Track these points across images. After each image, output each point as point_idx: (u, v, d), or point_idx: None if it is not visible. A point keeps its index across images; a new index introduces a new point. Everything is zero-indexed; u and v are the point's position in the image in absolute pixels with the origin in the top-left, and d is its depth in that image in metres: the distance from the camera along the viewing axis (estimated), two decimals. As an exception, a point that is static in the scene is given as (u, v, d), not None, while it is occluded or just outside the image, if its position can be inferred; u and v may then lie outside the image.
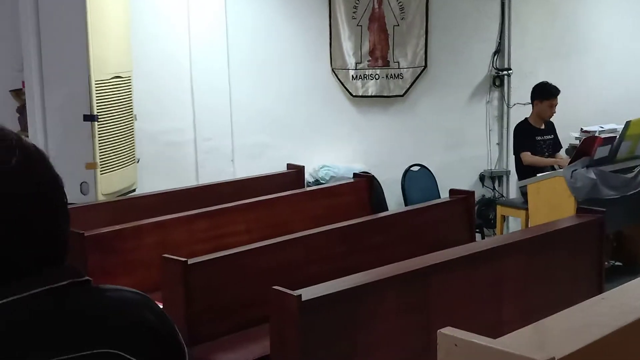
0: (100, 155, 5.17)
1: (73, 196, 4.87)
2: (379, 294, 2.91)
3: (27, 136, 5.29)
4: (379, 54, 6.43)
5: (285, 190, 4.81)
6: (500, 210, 5.84)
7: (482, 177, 6.59)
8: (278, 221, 4.36)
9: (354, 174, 5.27)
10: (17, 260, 1.05)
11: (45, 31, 5.16)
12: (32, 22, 5.15)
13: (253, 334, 3.23)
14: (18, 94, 5.68)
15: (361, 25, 6.40)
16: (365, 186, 5.03)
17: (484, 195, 6.52)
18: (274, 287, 2.69)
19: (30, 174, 1.05)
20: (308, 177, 6.07)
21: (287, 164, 5.47)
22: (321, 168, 6.35)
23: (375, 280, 2.91)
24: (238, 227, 4.21)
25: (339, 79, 6.51)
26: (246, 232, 4.21)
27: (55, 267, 1.08)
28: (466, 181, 6.40)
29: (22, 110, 5.59)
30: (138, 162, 5.80)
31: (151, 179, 5.83)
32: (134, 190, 5.67)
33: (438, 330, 1.54)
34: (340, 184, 5.16)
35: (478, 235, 5.79)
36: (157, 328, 1.11)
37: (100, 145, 5.17)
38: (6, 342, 1.01)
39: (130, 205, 4.47)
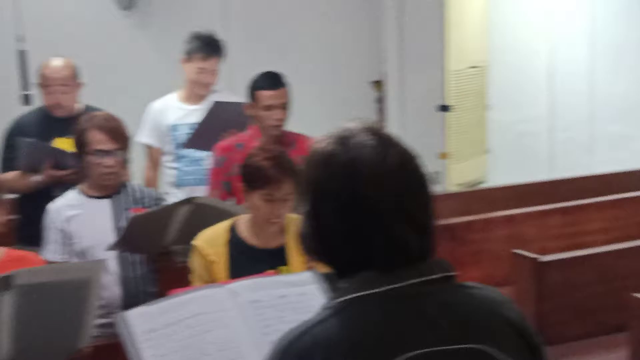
0: (451, 146, 5.25)
1: (425, 184, 5.01)
2: None
3: (385, 126, 5.58)
4: None
5: (650, 188, 4.40)
6: None
7: None
8: (640, 222, 4.01)
9: None
10: (402, 249, 1.12)
11: (406, 24, 5.36)
12: (393, 16, 5.40)
13: (606, 342, 3.00)
14: (378, 85, 6.00)
15: None
16: None
17: None
18: (634, 294, 2.49)
19: (404, 171, 1.16)
20: (678, 175, 5.46)
21: (654, 159, 4.98)
22: (695, 164, 5.66)
23: None
24: (594, 226, 3.96)
25: None
26: (603, 231, 3.94)
27: (428, 259, 1.14)
28: None
29: (380, 101, 5.90)
30: (488, 153, 5.77)
31: (501, 171, 5.75)
32: (483, 182, 5.65)
33: None
34: None
35: None
36: (520, 326, 1.14)
37: (452, 135, 5.24)
38: (382, 329, 1.07)
39: (480, 197, 4.46)
